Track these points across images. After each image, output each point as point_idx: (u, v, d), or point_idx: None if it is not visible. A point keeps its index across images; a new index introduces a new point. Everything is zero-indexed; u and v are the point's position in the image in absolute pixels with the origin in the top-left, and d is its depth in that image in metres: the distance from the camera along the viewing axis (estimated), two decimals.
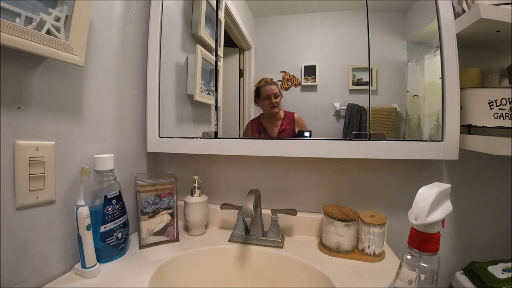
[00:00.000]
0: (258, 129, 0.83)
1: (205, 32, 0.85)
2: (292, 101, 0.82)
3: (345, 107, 0.77)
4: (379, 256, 0.65)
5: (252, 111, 0.86)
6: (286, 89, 0.82)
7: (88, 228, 0.53)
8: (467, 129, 0.68)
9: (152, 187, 0.71)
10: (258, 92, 0.82)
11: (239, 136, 0.86)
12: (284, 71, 0.82)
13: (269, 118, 0.83)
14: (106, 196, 0.60)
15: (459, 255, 0.77)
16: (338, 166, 0.80)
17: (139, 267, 0.59)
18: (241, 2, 0.86)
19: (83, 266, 0.54)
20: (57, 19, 0.49)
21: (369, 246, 0.65)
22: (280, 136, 0.81)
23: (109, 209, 0.61)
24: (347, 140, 0.71)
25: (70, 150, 0.58)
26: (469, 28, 0.63)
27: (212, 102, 0.83)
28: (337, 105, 0.78)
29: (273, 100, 0.81)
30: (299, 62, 0.81)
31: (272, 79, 0.81)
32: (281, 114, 0.82)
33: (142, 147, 0.83)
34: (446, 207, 0.38)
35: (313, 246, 0.71)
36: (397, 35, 0.75)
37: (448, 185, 0.38)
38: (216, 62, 0.82)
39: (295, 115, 0.80)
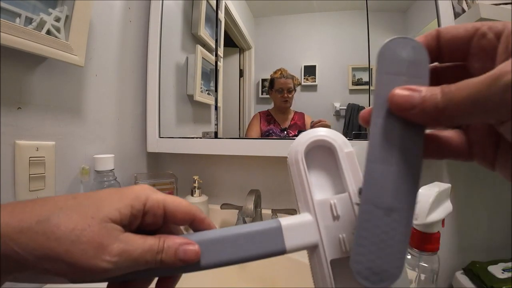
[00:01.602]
0: (267, 119, 0.82)
1: (205, 32, 0.85)
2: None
3: (345, 107, 0.77)
4: None
5: (252, 111, 0.86)
6: None
7: None
8: None
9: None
10: (272, 83, 0.81)
11: (239, 136, 0.86)
12: None
13: (279, 111, 0.82)
14: None
15: (459, 255, 0.77)
16: None
17: None
18: (241, 2, 0.86)
19: None
20: (57, 19, 0.49)
21: None
22: (291, 129, 0.81)
23: None
24: (347, 140, 0.71)
25: (70, 150, 0.58)
26: None
27: (212, 102, 0.83)
28: (337, 105, 0.78)
29: (286, 95, 0.80)
30: (299, 62, 0.81)
31: (287, 71, 0.81)
32: (291, 110, 0.81)
33: (142, 147, 0.83)
34: (446, 207, 0.38)
35: None
36: (397, 35, 0.75)
37: (448, 185, 0.38)
38: (216, 62, 0.82)
39: (305, 115, 0.80)
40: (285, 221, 0.21)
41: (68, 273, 0.18)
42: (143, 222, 0.21)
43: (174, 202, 0.22)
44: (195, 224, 0.23)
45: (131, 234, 0.20)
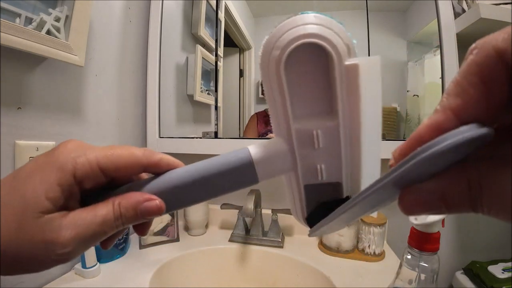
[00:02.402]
0: (265, 120, 0.82)
1: (205, 32, 0.85)
2: None
3: None
4: (379, 256, 0.65)
5: (252, 111, 0.86)
6: None
7: None
8: None
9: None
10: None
11: (239, 136, 0.86)
12: None
13: None
14: None
15: (459, 255, 0.77)
16: None
17: (140, 267, 0.59)
18: (241, 2, 0.86)
19: (83, 266, 0.54)
20: (57, 19, 0.49)
21: (369, 245, 0.65)
22: None
23: None
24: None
25: None
26: (469, 27, 0.63)
27: (212, 102, 0.83)
28: None
29: None
30: None
31: None
32: None
33: (142, 147, 0.83)
34: None
35: (313, 246, 0.71)
36: (397, 34, 0.75)
37: None
38: (216, 62, 0.82)
39: None
40: (256, 152, 0.18)
41: (30, 272, 0.17)
42: (84, 189, 0.18)
43: (110, 157, 0.18)
44: (151, 170, 0.20)
45: (77, 212, 0.17)
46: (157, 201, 0.18)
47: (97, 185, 0.19)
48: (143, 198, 0.18)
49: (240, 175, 0.18)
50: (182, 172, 0.19)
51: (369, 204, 0.15)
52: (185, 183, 0.19)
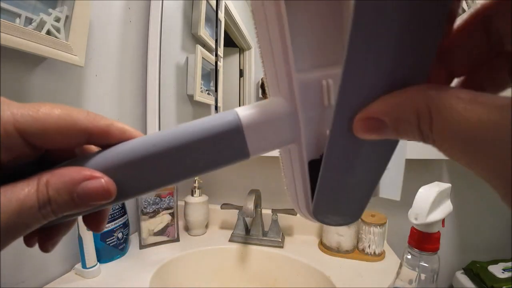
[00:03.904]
0: None
1: (205, 32, 0.85)
2: None
3: None
4: (380, 256, 0.65)
5: None
6: None
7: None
8: None
9: None
10: (263, 87, 0.81)
11: None
12: None
13: None
14: None
15: (460, 255, 0.77)
16: None
17: (140, 267, 0.59)
18: (241, 2, 0.86)
19: (84, 266, 0.54)
20: (57, 20, 0.49)
21: (369, 245, 0.65)
22: None
23: None
24: None
25: None
26: None
27: (212, 102, 0.83)
28: None
29: None
30: None
31: None
32: None
33: None
34: (446, 207, 0.38)
35: (314, 246, 0.71)
36: None
37: (448, 185, 0.38)
38: (216, 62, 0.82)
39: None
40: (246, 115, 0.14)
41: None
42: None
43: (35, 116, 0.12)
44: (98, 140, 0.14)
45: None
46: (103, 180, 0.12)
47: (19, 158, 0.13)
48: (82, 175, 0.12)
49: (224, 146, 0.14)
50: (141, 141, 0.14)
51: (352, 150, 0.13)
52: (146, 156, 0.13)
